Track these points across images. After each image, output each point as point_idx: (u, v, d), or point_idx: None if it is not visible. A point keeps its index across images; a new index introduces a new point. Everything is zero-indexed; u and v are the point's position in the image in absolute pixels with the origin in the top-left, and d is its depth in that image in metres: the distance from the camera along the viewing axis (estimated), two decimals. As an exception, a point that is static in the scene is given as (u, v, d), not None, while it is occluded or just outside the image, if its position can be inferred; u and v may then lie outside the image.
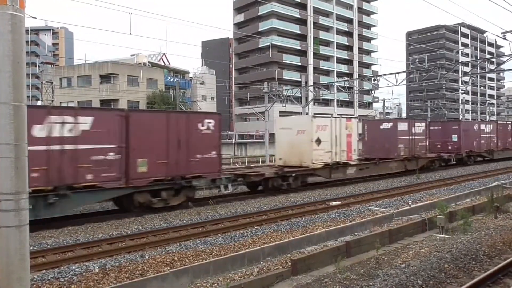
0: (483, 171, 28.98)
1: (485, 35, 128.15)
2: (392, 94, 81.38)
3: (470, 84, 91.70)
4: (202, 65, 77.59)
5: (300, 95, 46.02)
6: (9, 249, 4.66)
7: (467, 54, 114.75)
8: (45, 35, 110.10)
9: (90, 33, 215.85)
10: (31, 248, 10.03)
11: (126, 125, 14.48)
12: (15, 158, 4.67)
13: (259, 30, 73.42)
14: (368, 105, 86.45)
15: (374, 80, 41.70)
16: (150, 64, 64.61)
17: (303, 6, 76.15)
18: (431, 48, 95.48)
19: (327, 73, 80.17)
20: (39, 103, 66.24)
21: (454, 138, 33.00)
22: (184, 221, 13.95)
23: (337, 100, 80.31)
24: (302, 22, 76.10)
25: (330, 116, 28.97)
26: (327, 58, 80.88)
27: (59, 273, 8.68)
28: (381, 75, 37.38)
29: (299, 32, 75.32)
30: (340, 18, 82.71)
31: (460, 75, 74.58)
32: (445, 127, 34.28)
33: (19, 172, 4.72)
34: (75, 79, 56.13)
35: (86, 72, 55.64)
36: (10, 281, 4.65)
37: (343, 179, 24.13)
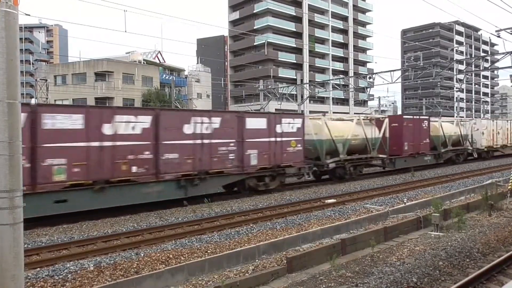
0: (478, 169, 29.09)
1: (479, 33, 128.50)
2: (387, 91, 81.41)
3: (464, 81, 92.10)
4: (197, 63, 77.25)
5: (295, 92, 46.05)
6: (3, 247, 4.64)
7: (461, 52, 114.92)
8: (39, 32, 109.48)
9: (85, 31, 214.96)
10: (26, 246, 10.00)
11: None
12: (9, 156, 4.65)
13: (255, 27, 73.32)
14: (364, 103, 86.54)
15: (370, 78, 41.79)
16: (145, 62, 64.32)
17: (298, 4, 76.04)
18: (426, 46, 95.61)
19: (322, 70, 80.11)
20: (33, 101, 65.91)
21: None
22: (180, 219, 13.95)
23: (333, 98, 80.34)
24: (298, 20, 75.98)
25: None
26: (322, 55, 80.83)
27: (54, 271, 8.66)
28: (376, 73, 37.44)
29: (295, 30, 75.19)
30: (335, 16, 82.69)
31: (454, 73, 75.03)
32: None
33: (14, 169, 4.70)
34: (69, 77, 55.80)
35: (80, 70, 55.34)
36: (4, 279, 4.63)
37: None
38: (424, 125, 29.06)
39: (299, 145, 20.42)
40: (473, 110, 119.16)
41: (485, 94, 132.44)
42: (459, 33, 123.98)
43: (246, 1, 76.28)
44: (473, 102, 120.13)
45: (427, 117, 30.25)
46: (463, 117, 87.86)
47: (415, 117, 29.68)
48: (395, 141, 26.54)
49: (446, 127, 32.12)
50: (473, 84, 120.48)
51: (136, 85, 55.96)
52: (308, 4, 77.22)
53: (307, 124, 21.63)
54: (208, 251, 10.23)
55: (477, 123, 36.57)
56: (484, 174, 25.93)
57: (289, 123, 20.06)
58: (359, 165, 24.67)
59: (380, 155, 25.33)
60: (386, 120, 26.12)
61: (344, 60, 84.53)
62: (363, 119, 25.02)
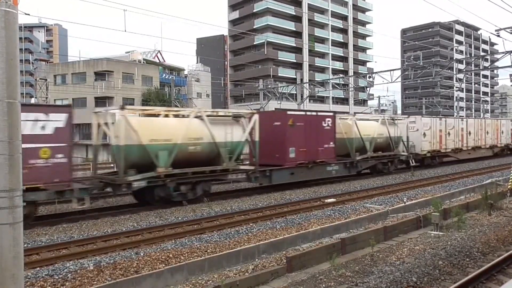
0: (477, 168, 29.12)
1: (479, 32, 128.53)
2: (387, 91, 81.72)
3: (464, 81, 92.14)
4: (197, 62, 77.31)
5: (295, 92, 46.08)
6: (3, 246, 4.63)
7: (461, 52, 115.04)
8: (39, 32, 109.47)
9: (84, 30, 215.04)
10: (25, 245, 10.00)
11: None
12: (9, 155, 4.64)
13: (254, 27, 73.35)
14: (363, 102, 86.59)
15: (369, 77, 41.82)
16: (145, 61, 64.36)
17: (298, 3, 76.08)
18: (425, 45, 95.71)
19: (322, 70, 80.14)
20: (33, 100, 65.90)
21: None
22: (179, 218, 13.95)
23: (333, 97, 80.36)
24: (297, 19, 76.01)
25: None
26: (322, 55, 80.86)
27: (53, 271, 8.66)
28: (376, 72, 37.50)
29: (294, 29, 75.21)
30: (335, 15, 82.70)
31: (454, 72, 75.10)
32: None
33: (13, 169, 4.69)
34: (69, 76, 55.87)
35: (80, 69, 55.39)
36: (4, 279, 4.62)
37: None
38: (325, 124, 21.82)
39: (61, 155, 13.27)
40: (473, 110, 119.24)
41: (485, 93, 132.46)
42: (459, 32, 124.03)
43: (246, 1, 76.31)
44: (473, 101, 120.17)
45: (331, 114, 22.97)
46: (463, 116, 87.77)
47: (308, 113, 22.57)
48: (276, 146, 19.95)
49: (365, 127, 24.75)
50: (473, 83, 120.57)
51: (136, 84, 56.02)
52: (308, 4, 77.24)
53: (106, 123, 15.44)
54: (208, 251, 10.23)
55: (417, 122, 29.71)
56: (484, 174, 25.94)
57: (36, 120, 12.73)
58: (202, 182, 16.92)
59: (243, 167, 18.50)
60: (255, 118, 18.52)
61: (344, 59, 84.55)
62: (210, 116, 17.58)
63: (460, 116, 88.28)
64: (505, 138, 40.50)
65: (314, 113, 22.34)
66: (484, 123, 36.88)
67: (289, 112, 21.39)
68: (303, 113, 22.29)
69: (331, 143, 22.03)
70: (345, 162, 23.04)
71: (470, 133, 34.39)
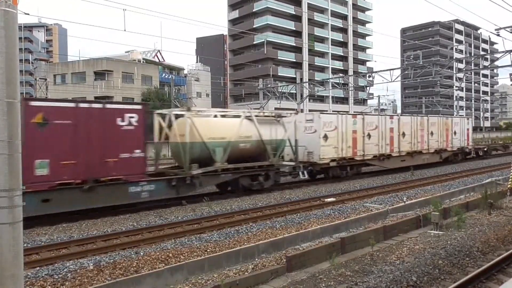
0: (477, 168, 29.11)
1: (479, 31, 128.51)
2: (387, 90, 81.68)
3: (464, 80, 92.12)
4: (197, 62, 77.32)
5: (295, 91, 46.04)
6: (3, 246, 4.63)
7: (461, 51, 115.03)
8: (39, 31, 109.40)
9: (84, 30, 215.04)
10: (25, 245, 10.00)
11: None
12: (8, 155, 4.64)
13: (254, 26, 73.40)
14: (363, 101, 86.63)
15: (369, 76, 41.80)
16: (144, 61, 64.38)
17: (297, 3, 76.14)
18: (425, 45, 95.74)
19: (322, 69, 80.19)
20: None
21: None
22: (179, 218, 13.96)
23: (332, 97, 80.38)
24: (297, 18, 76.07)
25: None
26: (322, 54, 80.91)
27: (53, 270, 8.66)
28: (375, 72, 37.47)
29: (294, 29, 75.26)
30: (334, 14, 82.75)
31: (454, 72, 75.11)
32: None
33: (13, 169, 4.69)
34: (69, 76, 55.90)
35: (80, 69, 55.40)
36: (4, 278, 4.62)
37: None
38: (124, 122, 14.55)
39: None
40: (473, 109, 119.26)
41: (485, 92, 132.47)
42: (459, 31, 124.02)
43: (246, 0, 76.31)
44: (473, 101, 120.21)
45: (137, 107, 15.20)
46: (462, 115, 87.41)
47: (85, 105, 14.09)
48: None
49: (213, 126, 17.72)
50: (473, 82, 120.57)
51: (135, 84, 56.03)
52: (308, 3, 77.30)
53: None
54: (208, 250, 10.23)
55: (315, 121, 22.11)
56: (484, 173, 25.93)
57: None
58: None
59: None
60: None
61: (343, 59, 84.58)
62: None
63: (460, 115, 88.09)
64: (459, 141, 33.01)
65: (98, 106, 14.40)
66: (426, 121, 29.45)
67: (33, 103, 13.15)
68: (72, 104, 13.90)
69: (138, 150, 14.90)
70: (169, 178, 16.07)
71: (404, 134, 27.24)
